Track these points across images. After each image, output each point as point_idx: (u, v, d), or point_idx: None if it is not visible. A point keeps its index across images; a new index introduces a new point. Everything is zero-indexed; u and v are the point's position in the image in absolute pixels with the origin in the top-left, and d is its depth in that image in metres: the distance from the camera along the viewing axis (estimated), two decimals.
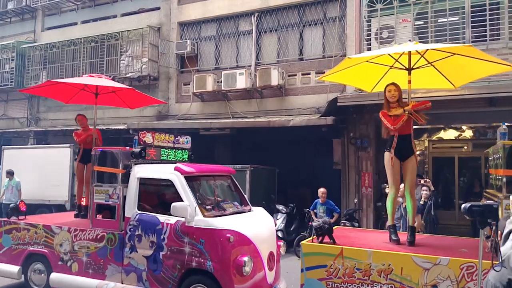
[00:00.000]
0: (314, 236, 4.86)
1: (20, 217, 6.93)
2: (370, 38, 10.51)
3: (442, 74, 5.41)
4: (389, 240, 4.95)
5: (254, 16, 12.46)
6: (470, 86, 8.10)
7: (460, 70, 5.28)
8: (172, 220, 5.36)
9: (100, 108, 13.67)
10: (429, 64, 5.28)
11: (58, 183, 12.61)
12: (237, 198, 6.39)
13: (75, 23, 16.04)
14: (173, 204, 5.22)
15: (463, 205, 3.18)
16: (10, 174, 11.59)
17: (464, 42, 9.26)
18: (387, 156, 5.03)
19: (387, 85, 5.09)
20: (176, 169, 5.58)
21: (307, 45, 11.99)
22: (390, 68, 5.43)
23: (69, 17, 16.25)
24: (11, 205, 7.25)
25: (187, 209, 5.18)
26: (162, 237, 5.41)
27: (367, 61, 5.20)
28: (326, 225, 4.77)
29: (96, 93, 7.61)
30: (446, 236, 5.88)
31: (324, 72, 11.28)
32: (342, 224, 9.25)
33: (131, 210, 5.75)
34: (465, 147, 12.57)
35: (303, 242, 4.90)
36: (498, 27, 9.52)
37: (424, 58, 5.18)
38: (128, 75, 13.69)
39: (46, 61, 15.61)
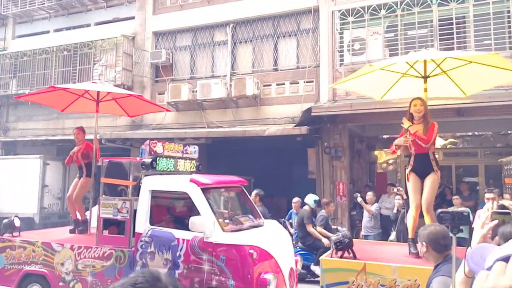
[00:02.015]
0: (333, 250, 4.64)
1: (14, 234, 6.31)
2: (343, 50, 10.70)
3: (455, 83, 5.30)
4: (408, 253, 4.88)
5: (229, 27, 12.52)
6: (438, 96, 8.32)
7: (473, 78, 5.17)
8: (188, 235, 5.01)
9: (71, 118, 13.54)
10: (443, 72, 5.16)
11: (26, 196, 12.30)
12: (249, 210, 6.09)
13: (48, 32, 15.71)
14: (192, 218, 4.91)
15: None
16: None
17: None
18: (407, 173, 5.03)
19: (413, 100, 4.91)
20: (192, 180, 5.26)
21: (282, 55, 12.10)
22: (403, 75, 5.32)
23: (41, 25, 15.91)
24: (4, 221, 6.56)
25: (207, 224, 4.86)
26: (177, 254, 5.05)
27: (381, 69, 5.07)
28: (346, 239, 4.49)
29: (97, 100, 7.26)
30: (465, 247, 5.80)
31: (298, 83, 11.52)
32: None
33: (143, 225, 5.33)
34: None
35: (322, 257, 4.76)
36: (465, 39, 9.87)
37: (440, 67, 5.09)
38: None
39: (17, 69, 15.19)
